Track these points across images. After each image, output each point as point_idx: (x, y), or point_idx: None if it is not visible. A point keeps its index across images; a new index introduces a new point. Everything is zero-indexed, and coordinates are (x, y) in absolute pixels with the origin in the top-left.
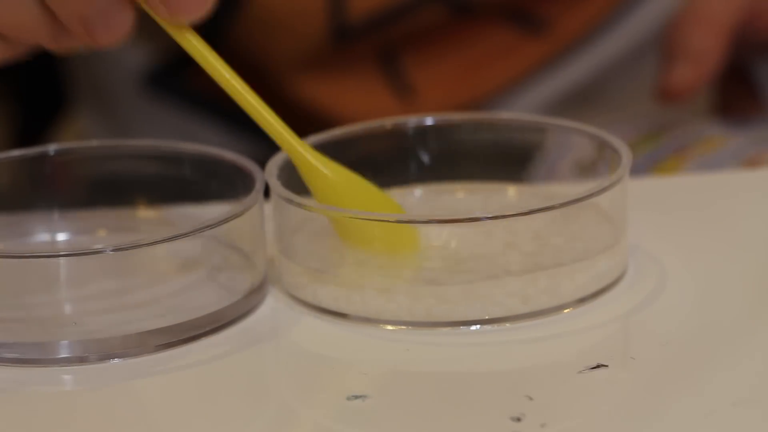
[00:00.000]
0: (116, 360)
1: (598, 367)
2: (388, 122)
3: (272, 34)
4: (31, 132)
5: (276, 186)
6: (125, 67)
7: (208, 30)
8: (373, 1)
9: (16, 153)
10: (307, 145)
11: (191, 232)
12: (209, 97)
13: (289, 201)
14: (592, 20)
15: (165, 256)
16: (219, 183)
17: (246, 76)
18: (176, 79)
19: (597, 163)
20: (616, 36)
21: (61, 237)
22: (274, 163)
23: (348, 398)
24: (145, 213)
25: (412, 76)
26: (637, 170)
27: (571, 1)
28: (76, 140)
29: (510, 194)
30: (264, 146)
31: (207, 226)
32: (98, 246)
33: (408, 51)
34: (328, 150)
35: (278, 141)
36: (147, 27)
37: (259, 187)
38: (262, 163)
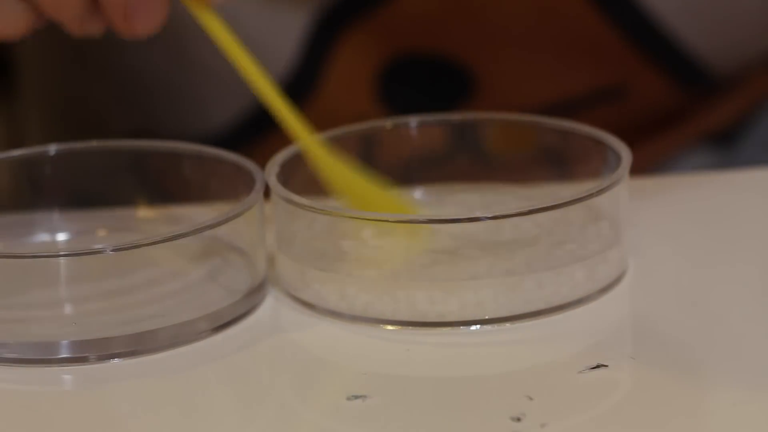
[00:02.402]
0: (116, 360)
1: (598, 367)
2: (388, 122)
3: None
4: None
5: (276, 186)
6: (107, 134)
7: None
8: (403, 152)
9: (16, 153)
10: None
11: (191, 232)
12: None
13: (289, 201)
14: (636, 172)
15: (165, 256)
16: (219, 183)
17: None
18: None
19: (597, 164)
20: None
21: (61, 237)
22: (274, 163)
23: (348, 398)
24: (145, 213)
25: None
26: None
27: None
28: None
29: (510, 194)
30: None
31: (207, 226)
32: (98, 246)
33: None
34: (327, 149)
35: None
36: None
37: (259, 187)
38: (262, 164)
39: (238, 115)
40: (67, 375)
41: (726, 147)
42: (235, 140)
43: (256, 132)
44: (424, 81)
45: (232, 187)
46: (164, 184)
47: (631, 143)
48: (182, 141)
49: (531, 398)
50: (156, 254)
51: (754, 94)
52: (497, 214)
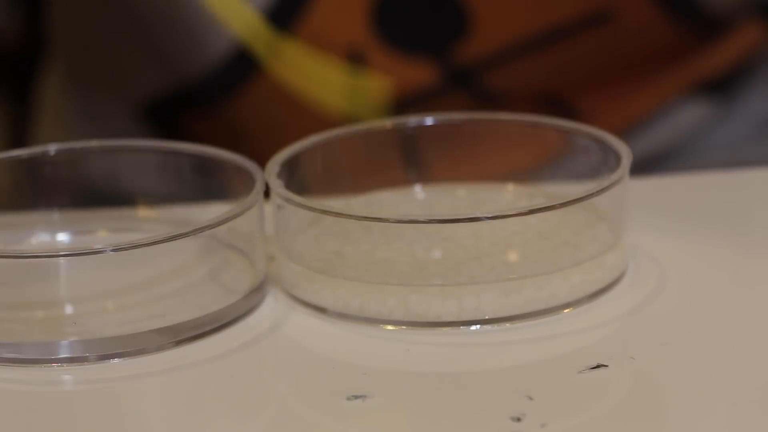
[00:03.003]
0: (116, 360)
1: (598, 367)
2: (388, 122)
3: (286, 113)
4: (31, 131)
5: (276, 186)
6: (126, 94)
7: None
8: (391, 88)
9: (16, 153)
10: None
11: (191, 232)
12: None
13: (289, 201)
14: (631, 119)
15: (165, 256)
16: (219, 183)
17: None
18: (173, 118)
19: (597, 164)
20: (647, 138)
21: (61, 237)
22: (274, 162)
23: (348, 398)
24: (145, 213)
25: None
26: None
27: (610, 96)
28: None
29: (510, 194)
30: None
31: (207, 226)
32: (98, 246)
33: (430, 146)
34: (328, 149)
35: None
36: (153, 52)
37: (259, 187)
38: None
39: (233, 44)
40: (67, 375)
41: (721, 97)
42: (234, 74)
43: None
44: (417, 11)
45: (232, 187)
46: (164, 184)
47: (622, 82)
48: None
49: (531, 398)
50: (156, 254)
51: (749, 41)
52: (497, 214)
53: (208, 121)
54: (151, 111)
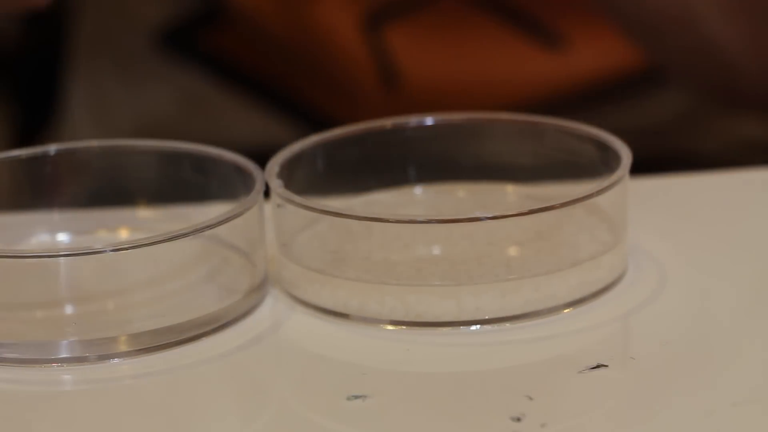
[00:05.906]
0: (116, 360)
1: (598, 367)
2: (388, 122)
3: None
4: (31, 131)
5: (276, 186)
6: (140, 23)
7: None
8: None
9: (16, 153)
10: None
11: (191, 232)
12: (225, 59)
13: (290, 201)
14: (616, 61)
15: (165, 256)
16: (219, 183)
17: None
18: (192, 39)
19: (597, 164)
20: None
21: (61, 237)
22: (275, 162)
23: (348, 398)
24: (145, 213)
25: (397, 54)
26: None
27: (597, 34)
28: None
29: (510, 194)
30: (276, 111)
31: (207, 226)
32: (98, 246)
33: (395, 28)
34: (327, 149)
35: None
36: None
37: (259, 187)
38: (263, 159)
39: None
40: (67, 375)
41: None
42: None
43: None
44: None
45: (232, 187)
46: (164, 184)
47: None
48: None
49: (531, 398)
50: (156, 254)
51: None
52: (497, 214)
53: (227, 33)
54: (171, 37)
